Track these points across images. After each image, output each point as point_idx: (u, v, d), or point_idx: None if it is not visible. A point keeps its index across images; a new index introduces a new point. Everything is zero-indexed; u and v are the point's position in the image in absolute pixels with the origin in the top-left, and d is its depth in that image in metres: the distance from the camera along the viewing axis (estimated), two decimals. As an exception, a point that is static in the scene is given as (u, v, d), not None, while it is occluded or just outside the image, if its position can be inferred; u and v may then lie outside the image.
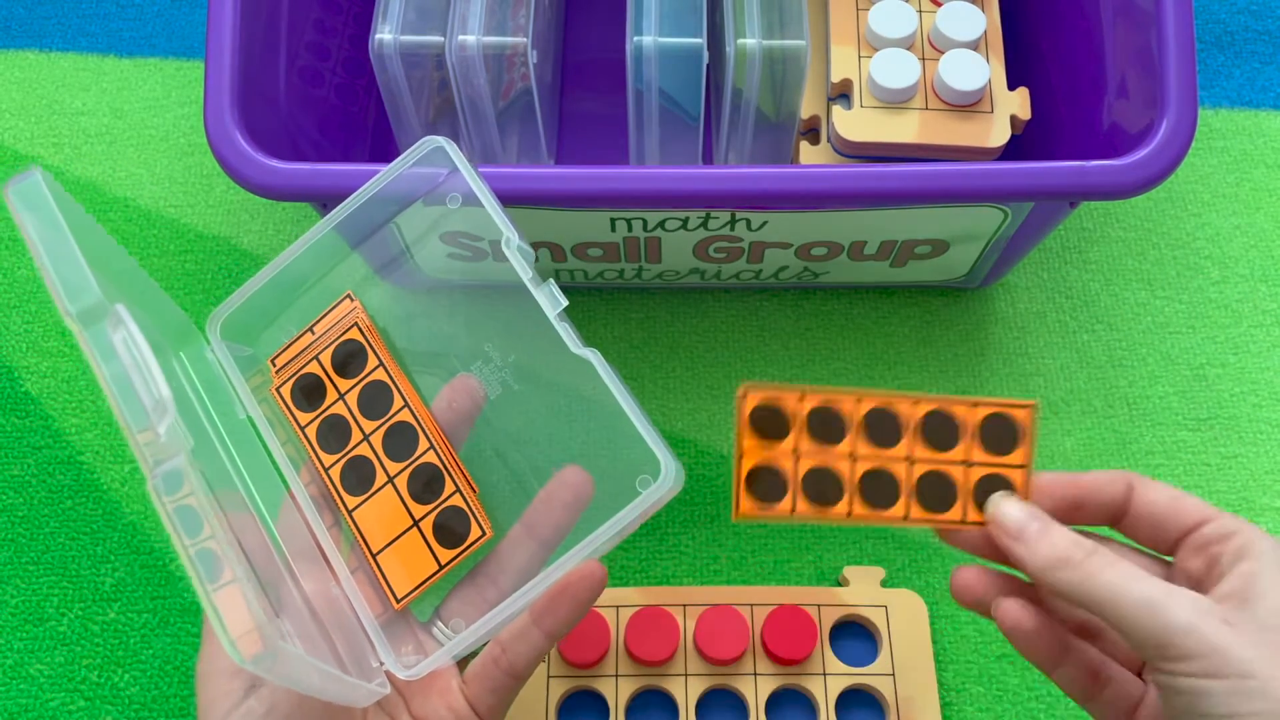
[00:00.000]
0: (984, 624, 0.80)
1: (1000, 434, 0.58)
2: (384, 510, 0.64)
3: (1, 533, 0.84)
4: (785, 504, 0.58)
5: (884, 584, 0.81)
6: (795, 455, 0.58)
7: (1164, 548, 0.59)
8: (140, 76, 1.01)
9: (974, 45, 0.80)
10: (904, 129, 0.78)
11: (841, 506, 0.58)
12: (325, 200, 0.71)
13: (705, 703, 0.78)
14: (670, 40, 0.76)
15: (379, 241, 0.68)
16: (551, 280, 0.59)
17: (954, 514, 0.59)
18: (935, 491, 0.58)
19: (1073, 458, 0.85)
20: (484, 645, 0.60)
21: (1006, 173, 0.70)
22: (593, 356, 0.58)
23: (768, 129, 0.81)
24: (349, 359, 0.66)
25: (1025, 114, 0.79)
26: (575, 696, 0.79)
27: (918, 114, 0.79)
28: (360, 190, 0.64)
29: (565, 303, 0.59)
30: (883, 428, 0.58)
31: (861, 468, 0.58)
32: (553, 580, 0.58)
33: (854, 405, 0.58)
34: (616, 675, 0.78)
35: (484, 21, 0.77)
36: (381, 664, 0.61)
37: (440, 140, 0.62)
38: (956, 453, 0.58)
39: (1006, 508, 0.57)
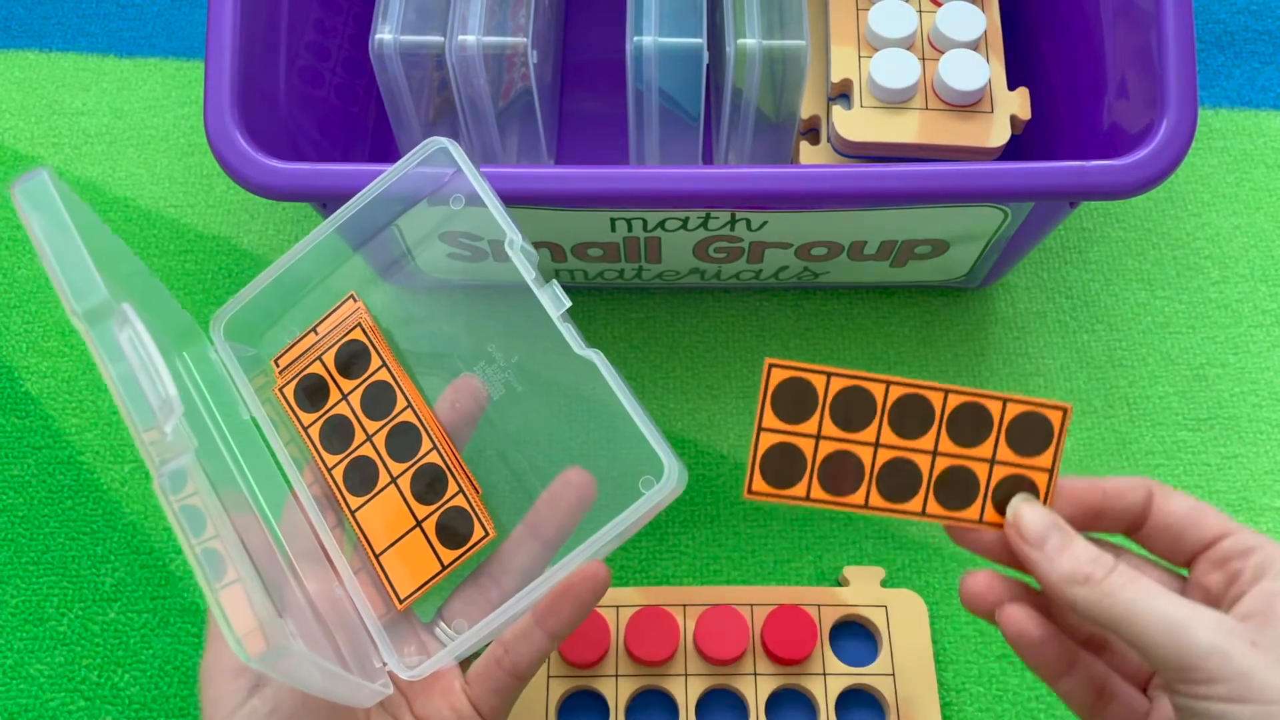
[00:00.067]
0: (984, 624, 0.80)
1: (1030, 434, 0.57)
2: (387, 511, 0.64)
3: (1, 533, 0.84)
4: (800, 487, 0.57)
5: (884, 584, 0.81)
6: (816, 437, 0.57)
7: (1180, 560, 0.57)
8: (140, 76, 1.01)
9: (974, 45, 0.80)
10: (904, 129, 0.78)
11: (858, 495, 0.57)
12: (325, 200, 0.71)
13: (705, 703, 0.78)
14: (670, 40, 0.76)
15: (381, 243, 0.68)
16: (555, 281, 0.59)
17: (971, 513, 0.57)
18: (956, 488, 0.57)
19: (1073, 458, 0.85)
20: (486, 646, 0.60)
21: (1006, 173, 0.70)
22: (596, 357, 0.58)
23: (768, 129, 0.81)
24: (352, 359, 0.66)
25: (1025, 114, 0.79)
26: (575, 696, 0.79)
27: (918, 114, 0.79)
28: (364, 191, 0.64)
29: (568, 303, 0.59)
30: (910, 417, 0.57)
31: (884, 457, 0.57)
32: (556, 581, 0.58)
33: (882, 391, 0.57)
34: (616, 675, 0.78)
35: (484, 21, 0.77)
36: (384, 664, 0.61)
37: (444, 141, 0.62)
38: (982, 449, 0.57)
39: (1028, 513, 0.56)
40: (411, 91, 0.80)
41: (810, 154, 0.82)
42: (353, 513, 0.64)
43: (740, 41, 0.76)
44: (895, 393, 0.57)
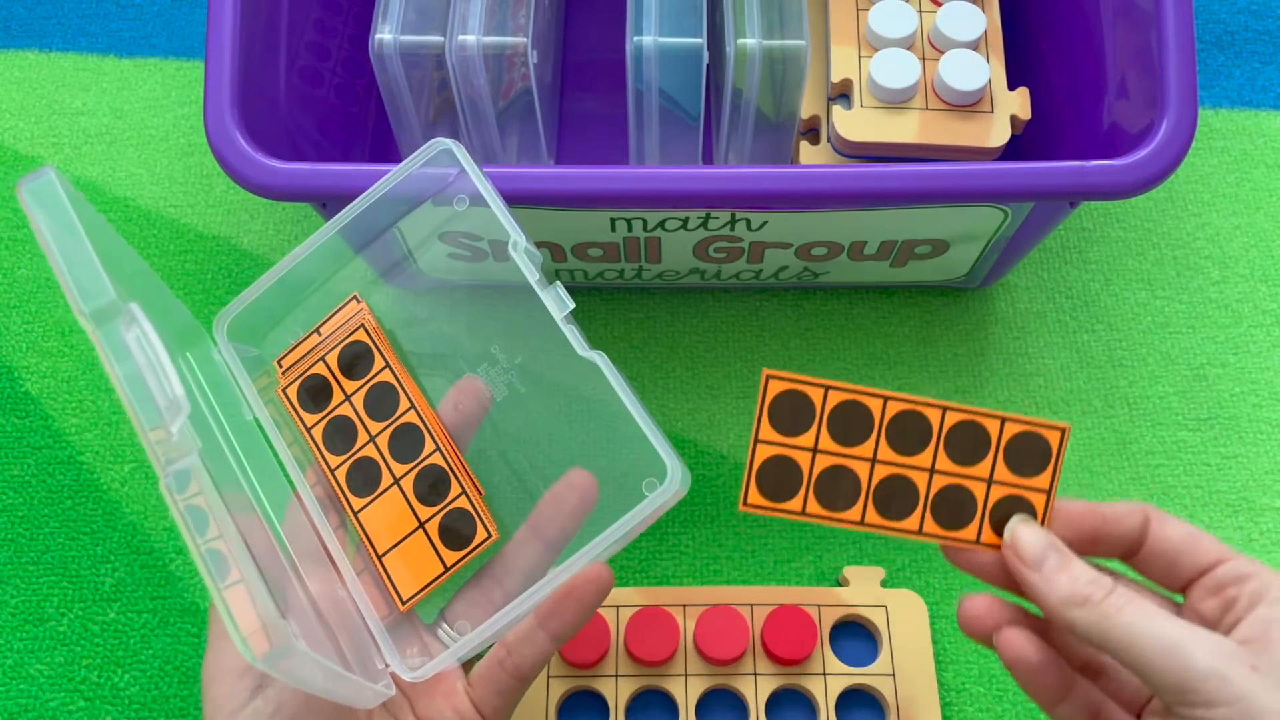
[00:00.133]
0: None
1: (1027, 454, 0.57)
2: (390, 512, 0.64)
3: (1, 533, 0.84)
4: (795, 502, 0.57)
5: (884, 584, 0.81)
6: (813, 451, 0.57)
7: (1176, 586, 0.57)
8: (140, 76, 1.01)
9: (974, 45, 0.80)
10: (904, 129, 0.78)
11: (854, 512, 0.57)
12: (325, 200, 0.71)
13: (705, 703, 0.78)
14: (670, 40, 0.76)
15: (383, 245, 0.68)
16: (558, 283, 0.59)
17: (969, 533, 0.57)
18: (952, 507, 0.57)
19: (1073, 458, 0.86)
20: (489, 647, 0.60)
21: (1006, 173, 0.70)
22: (599, 359, 0.58)
23: (768, 129, 0.81)
24: (355, 360, 0.66)
25: (1025, 114, 0.79)
26: (575, 696, 0.79)
27: (918, 114, 0.79)
28: (368, 192, 0.64)
29: (572, 305, 0.59)
30: (908, 433, 0.57)
31: (881, 473, 0.57)
32: (559, 583, 0.58)
33: (880, 406, 0.57)
34: (616, 675, 0.78)
35: (484, 21, 0.77)
36: (387, 665, 0.61)
37: (448, 142, 0.62)
38: (980, 468, 0.57)
39: (1026, 534, 0.55)
40: (411, 91, 0.80)
41: (810, 154, 0.82)
42: (355, 514, 0.64)
43: (740, 41, 0.76)
44: (893, 408, 0.57)
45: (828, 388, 0.57)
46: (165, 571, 0.83)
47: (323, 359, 0.67)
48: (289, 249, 0.66)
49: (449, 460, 0.64)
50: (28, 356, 0.90)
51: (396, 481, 0.64)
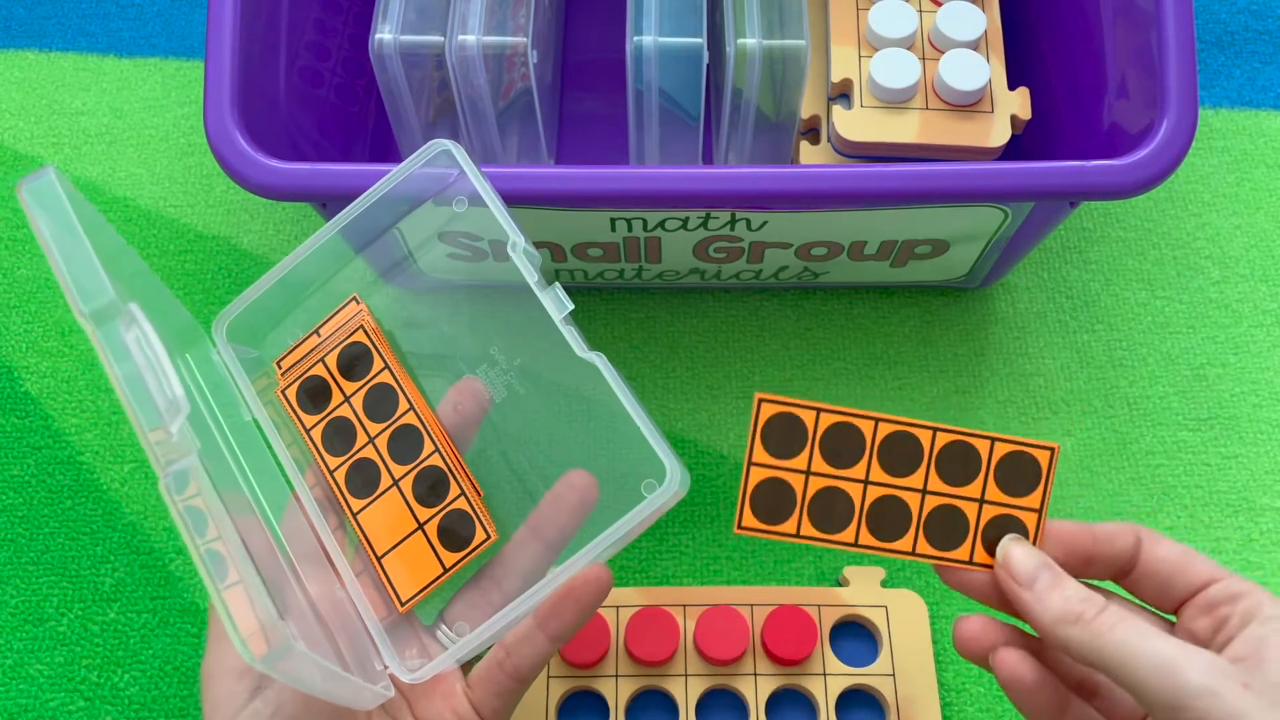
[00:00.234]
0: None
1: (1018, 474, 0.57)
2: (389, 513, 0.64)
3: (1, 533, 0.84)
4: (790, 524, 0.57)
5: (884, 584, 0.81)
6: (806, 474, 0.57)
7: (1168, 606, 0.57)
8: (140, 76, 1.01)
9: (974, 45, 0.80)
10: (904, 129, 0.78)
11: (848, 533, 0.58)
12: (325, 200, 0.71)
13: (705, 703, 0.78)
14: (670, 40, 0.76)
15: (383, 246, 0.68)
16: (557, 284, 0.59)
17: (961, 553, 0.58)
18: (945, 527, 0.57)
19: (1073, 458, 0.86)
20: (488, 648, 0.60)
21: (1006, 173, 0.70)
22: (598, 360, 0.58)
23: (768, 129, 0.81)
24: (354, 361, 0.66)
25: (1025, 114, 0.79)
26: (575, 697, 0.79)
27: (918, 114, 0.79)
28: (368, 193, 0.64)
29: (571, 306, 0.59)
30: (899, 455, 0.57)
31: (873, 494, 0.58)
32: (558, 584, 0.58)
33: (871, 428, 0.57)
34: (616, 675, 0.78)
35: (484, 21, 0.77)
36: (385, 667, 0.61)
37: (447, 143, 0.62)
38: (971, 489, 0.57)
39: (1018, 553, 0.56)
40: (411, 91, 0.80)
41: (810, 154, 0.82)
42: (354, 515, 0.64)
43: (740, 41, 0.76)
44: (884, 430, 0.57)
45: (819, 410, 0.57)
46: (165, 571, 0.83)
47: (322, 360, 0.67)
48: (289, 249, 0.66)
49: (448, 461, 0.64)
50: (28, 356, 0.90)
51: (395, 483, 0.64)
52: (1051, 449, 0.57)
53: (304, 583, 0.62)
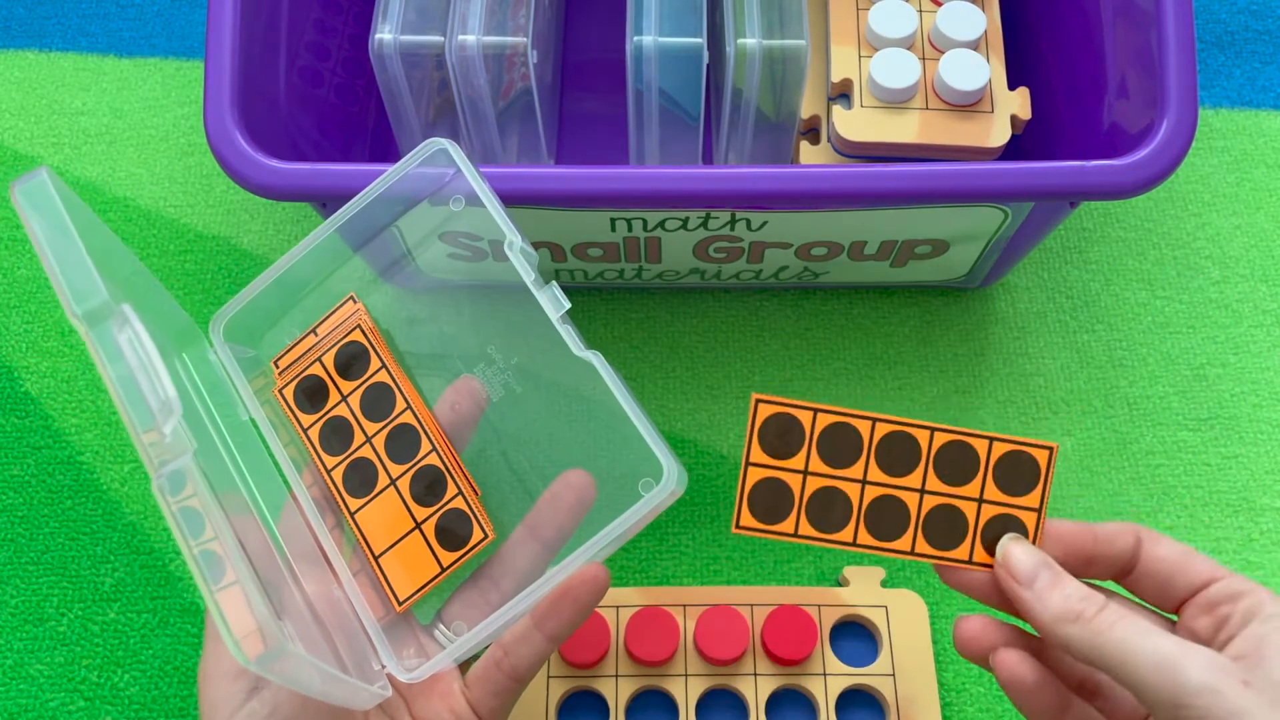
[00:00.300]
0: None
1: (1016, 473, 0.57)
2: (386, 512, 0.64)
3: (1, 533, 0.84)
4: (788, 523, 0.57)
5: (884, 584, 0.81)
6: (804, 474, 0.57)
7: (1169, 605, 0.57)
8: (140, 76, 1.01)
9: (974, 45, 0.80)
10: (904, 129, 0.78)
11: (846, 533, 0.57)
12: (325, 200, 0.71)
13: (705, 703, 0.78)
14: (670, 40, 0.76)
15: (381, 244, 0.68)
16: (554, 282, 0.59)
17: (961, 552, 0.57)
18: (944, 527, 0.57)
19: (1073, 458, 0.85)
20: (486, 648, 0.60)
21: (1006, 173, 0.70)
22: (595, 359, 0.58)
23: (768, 129, 0.81)
24: (352, 361, 0.66)
25: (1025, 114, 0.79)
26: (575, 697, 0.79)
27: (918, 114, 0.79)
28: (364, 192, 0.64)
29: (568, 305, 0.59)
30: (897, 455, 0.57)
31: (871, 494, 0.58)
32: (555, 583, 0.58)
33: (869, 428, 0.57)
34: (616, 675, 0.78)
35: (484, 21, 0.77)
36: (383, 666, 0.61)
37: (444, 142, 0.62)
38: (970, 488, 0.57)
39: (1017, 552, 0.56)
40: (411, 91, 0.80)
41: (810, 154, 0.82)
42: (352, 514, 0.64)
43: (740, 41, 0.76)
44: (881, 430, 0.57)
45: (816, 410, 0.57)
46: (165, 571, 0.83)
47: (319, 359, 0.67)
48: (289, 249, 0.66)
49: (445, 461, 0.64)
50: (28, 356, 0.90)
51: (393, 482, 0.64)
52: (1050, 448, 0.57)
53: (301, 583, 0.62)
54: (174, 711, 0.79)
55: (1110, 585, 0.58)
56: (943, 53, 0.80)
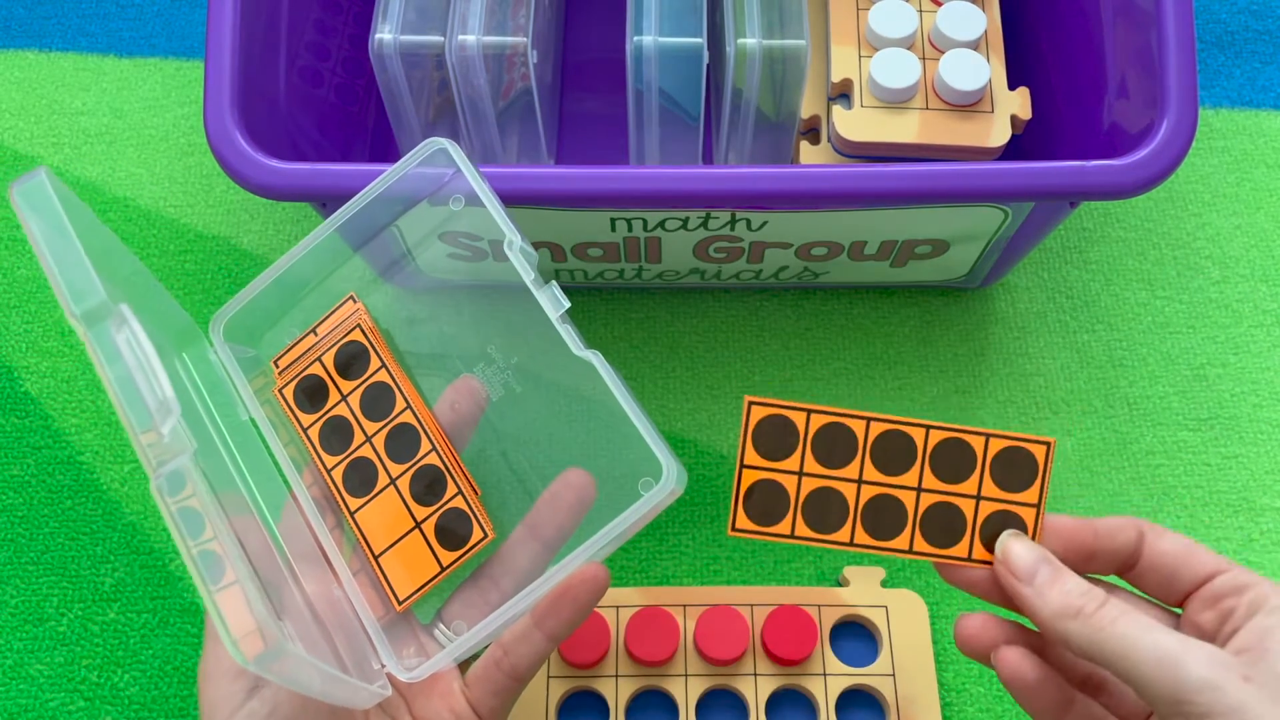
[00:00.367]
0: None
1: (1014, 469, 0.57)
2: (386, 512, 0.64)
3: (1, 533, 0.84)
4: (784, 525, 0.57)
5: (884, 584, 0.81)
6: (799, 475, 0.57)
7: (1173, 599, 0.57)
8: (140, 76, 1.01)
9: (974, 45, 0.80)
10: (904, 129, 0.78)
11: (843, 533, 0.57)
12: (325, 200, 0.71)
13: (705, 703, 0.78)
14: (670, 40, 0.76)
15: (381, 244, 0.68)
16: (554, 282, 0.59)
17: (960, 550, 0.57)
18: (942, 525, 0.57)
19: (1073, 458, 0.85)
20: (486, 647, 0.60)
21: (1006, 173, 0.70)
22: (595, 358, 0.58)
23: (768, 129, 0.81)
24: (351, 360, 0.66)
25: (1025, 114, 0.79)
26: (575, 697, 0.79)
27: (918, 114, 0.79)
28: (364, 191, 0.64)
29: (567, 304, 0.59)
30: (892, 454, 0.57)
31: (867, 494, 0.58)
32: (555, 582, 0.58)
33: (863, 428, 0.57)
34: (616, 675, 0.78)
35: (484, 21, 0.77)
36: (383, 666, 0.61)
37: (444, 142, 0.62)
38: (968, 485, 0.57)
39: (1016, 548, 0.56)
40: (411, 91, 0.80)
41: (810, 154, 0.82)
42: (352, 514, 0.64)
43: (740, 41, 0.76)
44: (876, 429, 0.57)
45: (810, 411, 0.57)
46: (165, 571, 0.83)
47: (319, 359, 0.67)
48: (289, 249, 0.66)
49: (445, 460, 0.64)
50: (28, 356, 0.90)
51: (393, 481, 0.64)
52: (1047, 443, 0.57)
53: (301, 582, 0.62)
54: (174, 711, 0.79)
55: (1114, 580, 0.58)
56: (943, 53, 0.80)
